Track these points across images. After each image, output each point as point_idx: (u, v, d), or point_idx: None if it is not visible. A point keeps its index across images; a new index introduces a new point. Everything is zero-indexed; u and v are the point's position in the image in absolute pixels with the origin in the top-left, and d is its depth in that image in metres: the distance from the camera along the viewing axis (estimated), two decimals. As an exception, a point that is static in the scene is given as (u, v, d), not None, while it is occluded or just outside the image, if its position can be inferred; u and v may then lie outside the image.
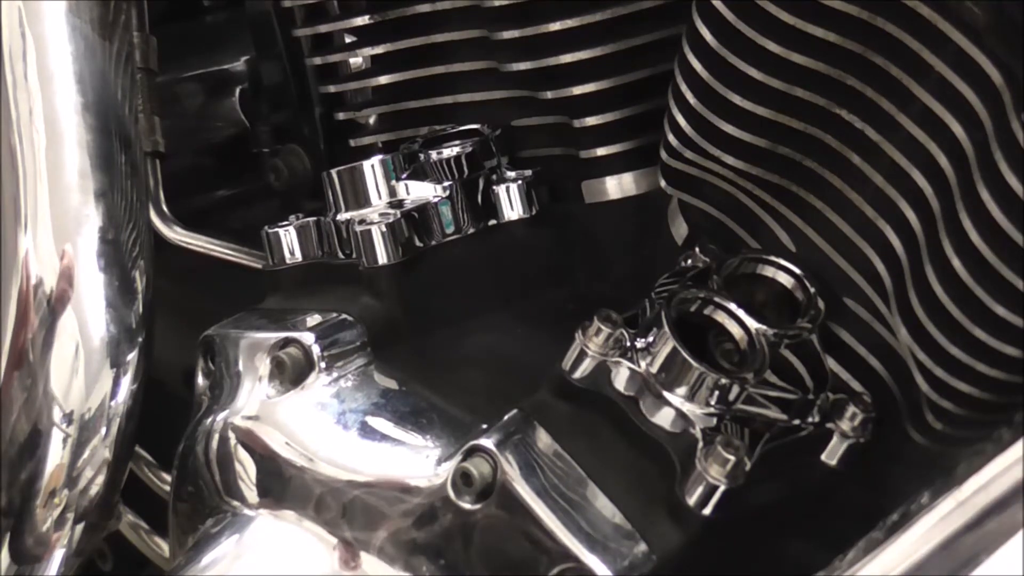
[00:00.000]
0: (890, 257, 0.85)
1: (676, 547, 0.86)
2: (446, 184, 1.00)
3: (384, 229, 0.97)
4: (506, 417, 0.89)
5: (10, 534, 1.07)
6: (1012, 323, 0.78)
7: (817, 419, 0.89)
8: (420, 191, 1.00)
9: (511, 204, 1.00)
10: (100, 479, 1.07)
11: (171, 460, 1.05)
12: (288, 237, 1.04)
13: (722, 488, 0.84)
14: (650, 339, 0.87)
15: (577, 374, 0.88)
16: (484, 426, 0.89)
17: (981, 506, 0.71)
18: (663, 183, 0.93)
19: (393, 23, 1.08)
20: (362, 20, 1.09)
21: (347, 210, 1.01)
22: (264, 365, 0.99)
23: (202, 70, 1.37)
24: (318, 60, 1.16)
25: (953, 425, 0.84)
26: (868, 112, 0.82)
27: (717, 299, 0.89)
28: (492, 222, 1.01)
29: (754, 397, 0.87)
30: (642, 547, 0.86)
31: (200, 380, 1.05)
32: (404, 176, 1.01)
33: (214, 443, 1.00)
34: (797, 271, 0.90)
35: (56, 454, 1.06)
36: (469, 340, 0.98)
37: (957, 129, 0.78)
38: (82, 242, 1.04)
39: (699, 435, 0.86)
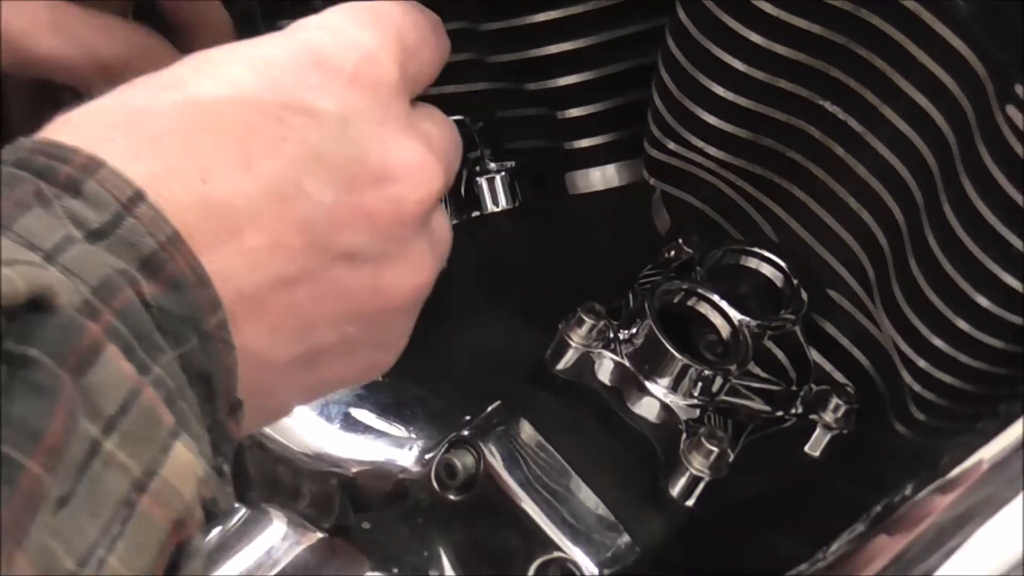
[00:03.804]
0: (873, 249, 0.85)
1: (659, 538, 0.86)
2: (429, 175, 0.99)
3: (367, 220, 0.96)
4: (489, 409, 0.89)
5: None
6: (995, 314, 0.78)
7: (800, 410, 0.89)
8: (403, 182, 1.00)
9: (494, 196, 1.00)
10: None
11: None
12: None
13: (705, 479, 0.85)
14: (633, 330, 0.87)
15: (560, 365, 0.88)
16: (467, 418, 0.89)
17: (966, 498, 0.71)
18: (646, 174, 0.93)
19: (376, 14, 1.07)
20: (345, 11, 1.09)
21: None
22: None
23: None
24: (301, 51, 1.15)
25: (937, 416, 0.84)
26: (852, 104, 0.82)
27: (700, 290, 0.89)
28: (475, 213, 1.01)
29: (737, 388, 0.87)
30: (625, 538, 0.86)
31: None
32: (387, 167, 1.01)
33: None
34: (780, 262, 0.90)
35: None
36: (451, 331, 0.98)
37: (941, 121, 0.78)
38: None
39: (682, 426, 0.86)
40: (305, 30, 0.68)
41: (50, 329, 0.51)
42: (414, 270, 0.68)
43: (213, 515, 0.56)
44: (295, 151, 0.62)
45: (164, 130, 0.61)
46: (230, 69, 0.64)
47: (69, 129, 0.60)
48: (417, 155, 0.67)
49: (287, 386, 0.66)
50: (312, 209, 0.62)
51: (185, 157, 0.60)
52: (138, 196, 0.57)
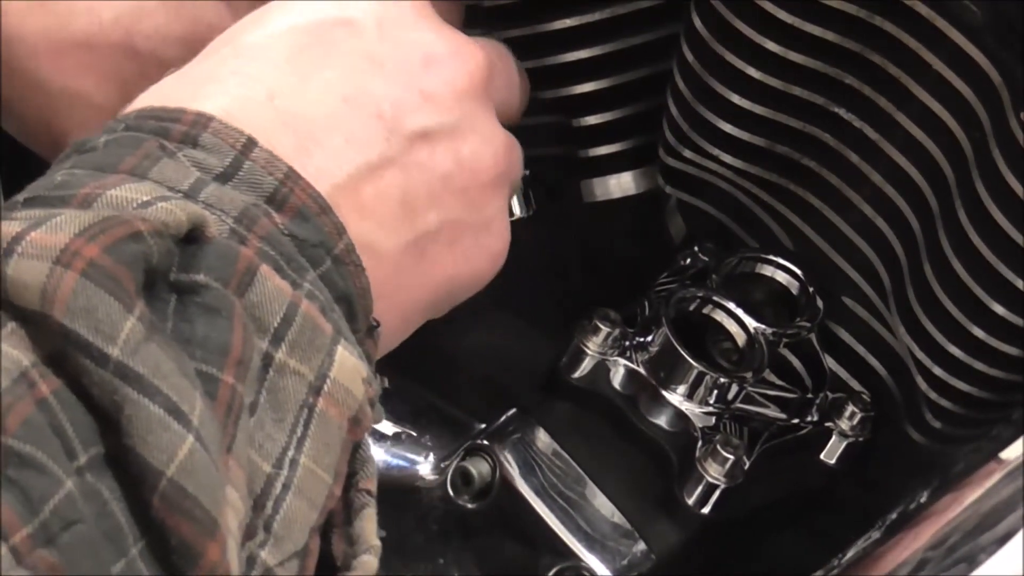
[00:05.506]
0: (888, 256, 0.85)
1: (675, 546, 0.86)
2: (445, 183, 0.99)
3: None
4: (504, 416, 0.89)
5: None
6: (1011, 322, 0.78)
7: (816, 418, 0.89)
8: (419, 191, 1.00)
9: (509, 204, 1.00)
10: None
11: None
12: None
13: (721, 487, 0.85)
14: (648, 338, 0.87)
15: (576, 373, 0.88)
16: (483, 425, 0.89)
17: (980, 506, 0.71)
18: (662, 182, 0.93)
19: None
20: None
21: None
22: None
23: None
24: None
25: (952, 424, 0.84)
26: (866, 111, 0.82)
27: (716, 298, 0.89)
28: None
29: (753, 396, 0.87)
30: (641, 546, 0.86)
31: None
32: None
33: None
34: (796, 270, 0.90)
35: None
36: (467, 339, 0.98)
37: (955, 127, 0.78)
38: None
39: (698, 434, 0.86)
40: None
41: (211, 256, 0.55)
42: (487, 140, 0.74)
43: (366, 428, 0.60)
44: (344, 58, 0.69)
45: (221, 75, 0.66)
46: (265, 16, 0.70)
47: (158, 98, 0.64)
48: (454, 38, 0.74)
49: (406, 282, 0.70)
50: (376, 102, 0.68)
51: (246, 86, 0.65)
52: (251, 142, 0.62)
